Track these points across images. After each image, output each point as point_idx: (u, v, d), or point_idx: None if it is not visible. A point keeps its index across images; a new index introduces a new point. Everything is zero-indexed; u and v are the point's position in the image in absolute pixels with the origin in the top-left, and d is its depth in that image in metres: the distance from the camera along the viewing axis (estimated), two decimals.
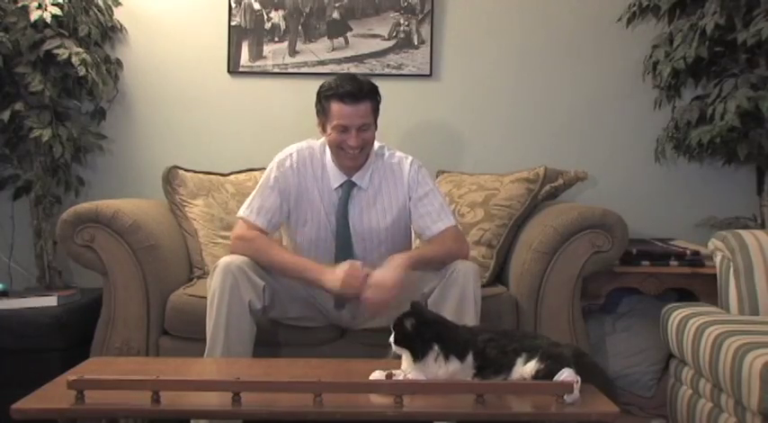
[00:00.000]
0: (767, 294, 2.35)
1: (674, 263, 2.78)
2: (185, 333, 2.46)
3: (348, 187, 2.39)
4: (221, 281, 2.18)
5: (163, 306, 2.52)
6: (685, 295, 2.81)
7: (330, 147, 2.36)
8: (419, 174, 2.42)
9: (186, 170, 2.95)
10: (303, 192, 2.39)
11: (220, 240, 2.83)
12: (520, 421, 1.63)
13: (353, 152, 2.31)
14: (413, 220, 2.41)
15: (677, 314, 2.37)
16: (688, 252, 2.79)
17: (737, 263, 2.42)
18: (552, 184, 2.97)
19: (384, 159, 2.43)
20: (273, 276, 2.29)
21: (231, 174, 3.06)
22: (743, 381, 1.90)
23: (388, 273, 2.17)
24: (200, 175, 2.97)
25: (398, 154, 2.47)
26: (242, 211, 2.39)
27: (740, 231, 2.51)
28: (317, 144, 2.44)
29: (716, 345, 2.06)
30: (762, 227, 2.93)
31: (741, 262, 2.41)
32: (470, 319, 2.15)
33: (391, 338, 1.78)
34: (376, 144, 2.43)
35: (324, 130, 2.36)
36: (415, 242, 2.59)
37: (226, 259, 2.24)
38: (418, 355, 1.75)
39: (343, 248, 2.39)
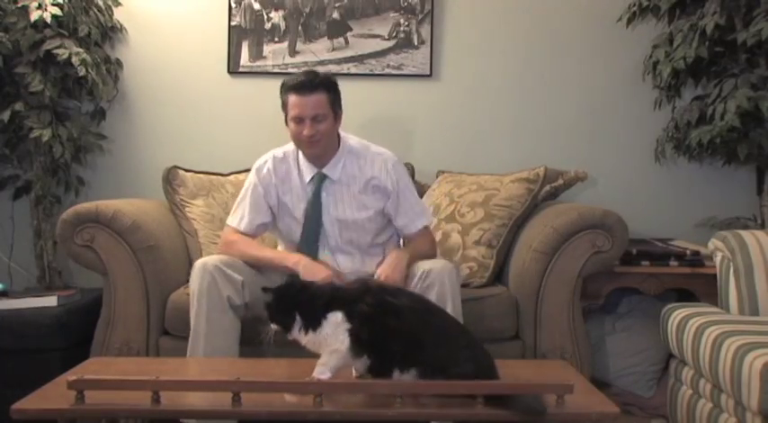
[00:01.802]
0: (767, 294, 2.35)
1: (674, 263, 2.77)
2: (185, 332, 2.45)
3: (319, 179, 2.46)
4: (199, 280, 2.25)
5: (163, 306, 2.52)
6: (685, 295, 2.81)
7: (292, 140, 2.45)
8: (395, 170, 2.49)
9: (186, 170, 2.95)
10: (285, 193, 2.49)
11: None
12: (520, 421, 1.63)
13: (311, 140, 2.38)
14: (394, 216, 2.49)
15: (677, 314, 2.37)
16: (688, 252, 2.79)
17: (737, 263, 2.42)
18: (552, 184, 2.97)
19: (358, 152, 2.49)
20: (256, 273, 2.35)
21: (231, 174, 3.06)
22: (743, 381, 1.90)
23: (395, 267, 2.28)
24: (201, 175, 2.97)
25: (374, 148, 2.52)
26: (228, 220, 2.53)
27: (740, 231, 2.51)
28: (292, 146, 2.51)
29: (716, 345, 2.06)
30: (762, 227, 2.93)
31: (741, 262, 2.41)
32: None
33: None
34: (353, 139, 2.52)
35: (287, 123, 2.43)
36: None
37: (202, 260, 2.33)
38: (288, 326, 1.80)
39: (308, 238, 2.46)
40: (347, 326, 1.76)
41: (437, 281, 2.22)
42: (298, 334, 1.81)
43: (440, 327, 1.80)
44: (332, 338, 1.77)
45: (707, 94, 2.90)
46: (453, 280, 2.25)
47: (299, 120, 2.37)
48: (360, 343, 1.75)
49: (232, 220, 2.51)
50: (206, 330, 2.22)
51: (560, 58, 3.31)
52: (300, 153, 2.49)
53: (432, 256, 2.45)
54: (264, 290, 1.88)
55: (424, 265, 2.28)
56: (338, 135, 2.49)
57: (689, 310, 2.38)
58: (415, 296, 1.93)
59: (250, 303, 2.30)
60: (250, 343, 2.33)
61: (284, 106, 2.42)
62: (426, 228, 2.54)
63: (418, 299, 1.90)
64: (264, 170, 2.51)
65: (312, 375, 1.79)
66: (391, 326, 1.75)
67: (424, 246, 2.48)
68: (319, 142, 2.40)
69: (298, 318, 1.80)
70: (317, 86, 2.36)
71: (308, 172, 2.48)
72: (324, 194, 2.46)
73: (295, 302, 1.82)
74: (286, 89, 2.40)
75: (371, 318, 1.76)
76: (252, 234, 2.49)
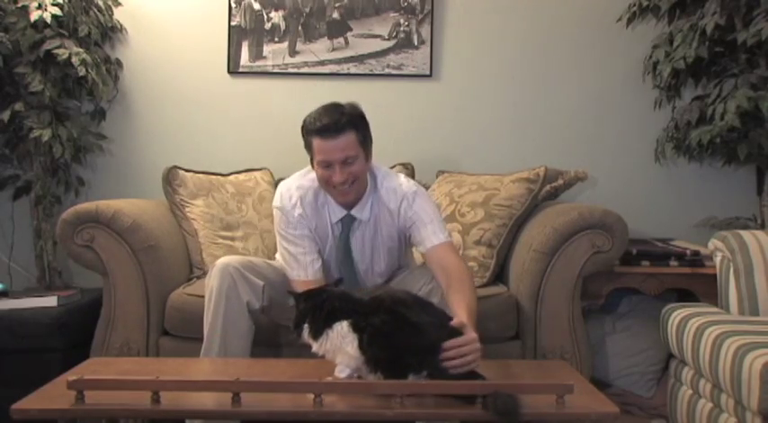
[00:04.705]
0: (767, 294, 2.35)
1: (674, 263, 2.77)
2: (185, 332, 2.46)
3: (348, 221, 2.31)
4: (219, 282, 2.20)
5: (163, 306, 2.52)
6: (685, 295, 2.81)
7: (320, 183, 2.25)
8: (411, 208, 2.26)
9: (186, 170, 2.95)
10: (316, 229, 2.32)
11: (220, 240, 2.83)
12: (520, 421, 1.63)
13: (342, 188, 2.19)
14: (413, 241, 2.32)
15: (677, 314, 2.37)
16: (688, 252, 2.79)
17: (737, 263, 2.42)
18: (552, 184, 2.97)
19: (381, 189, 2.29)
20: (272, 277, 2.31)
21: (231, 174, 3.06)
22: (743, 381, 1.90)
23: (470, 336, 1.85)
24: (200, 175, 2.97)
25: (394, 182, 2.31)
26: (293, 275, 2.29)
27: (740, 231, 2.51)
28: (312, 177, 2.30)
29: (716, 345, 2.06)
30: (762, 227, 2.93)
31: (741, 262, 2.41)
32: None
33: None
34: (377, 170, 2.33)
35: (313, 165, 2.24)
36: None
37: (223, 260, 2.26)
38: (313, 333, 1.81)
39: (348, 283, 2.31)
40: (353, 336, 1.75)
41: (440, 288, 2.16)
42: (308, 339, 1.83)
43: (447, 336, 1.79)
44: (341, 347, 1.77)
45: (707, 94, 2.90)
46: None
47: (326, 164, 2.16)
48: (371, 358, 1.74)
49: (297, 275, 2.27)
50: (222, 333, 2.18)
51: (560, 59, 3.31)
52: None
53: (466, 276, 2.16)
54: (290, 293, 1.92)
55: (430, 271, 2.22)
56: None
57: (689, 310, 2.38)
58: (431, 309, 1.85)
59: (267, 307, 2.27)
60: (264, 345, 2.33)
61: (308, 148, 2.20)
62: (446, 244, 2.24)
63: (434, 312, 1.85)
64: (296, 214, 2.27)
65: (334, 375, 1.81)
66: (406, 342, 1.73)
67: (453, 263, 2.16)
68: (353, 187, 2.20)
69: (305, 324, 1.82)
70: (344, 126, 2.13)
71: (336, 211, 2.29)
72: (353, 240, 2.32)
73: (306, 309, 1.84)
74: (308, 132, 2.17)
75: (385, 334, 1.74)
76: (318, 277, 2.28)
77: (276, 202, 2.33)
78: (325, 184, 2.22)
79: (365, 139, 2.21)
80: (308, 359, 2.02)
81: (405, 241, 2.38)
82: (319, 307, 1.82)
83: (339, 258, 2.35)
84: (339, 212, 2.30)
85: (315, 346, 1.82)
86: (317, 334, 1.80)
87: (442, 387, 1.70)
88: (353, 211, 2.29)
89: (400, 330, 1.74)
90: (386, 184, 2.30)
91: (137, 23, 3.29)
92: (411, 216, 2.26)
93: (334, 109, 2.18)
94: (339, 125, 2.13)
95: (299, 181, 2.32)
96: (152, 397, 1.65)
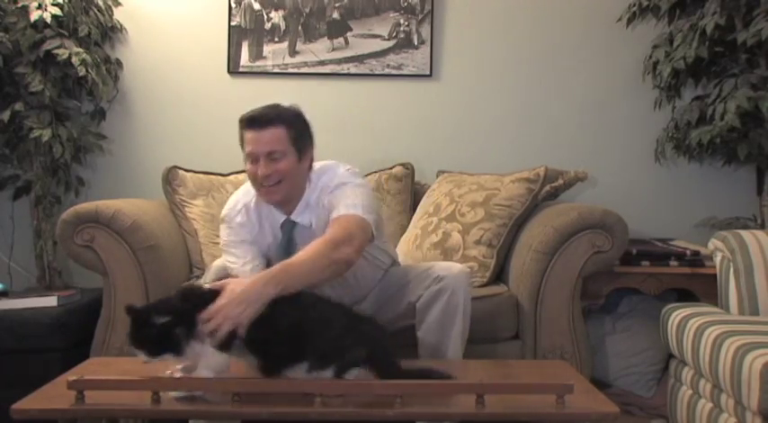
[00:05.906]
0: (767, 294, 2.35)
1: (674, 263, 2.77)
2: None
3: (289, 227, 2.21)
4: (214, 282, 2.18)
5: None
6: (685, 295, 2.81)
7: (250, 182, 2.18)
8: (330, 195, 2.14)
9: (186, 170, 2.96)
10: (260, 239, 2.25)
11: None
12: (520, 421, 1.63)
13: (267, 185, 2.10)
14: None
15: (677, 314, 2.37)
16: (688, 252, 2.79)
17: (737, 263, 2.42)
18: (552, 184, 2.97)
19: (317, 190, 2.18)
20: None
21: (231, 174, 3.05)
22: (743, 381, 1.90)
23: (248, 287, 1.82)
24: (200, 175, 2.97)
25: (329, 178, 2.17)
26: (233, 267, 2.24)
27: (740, 231, 2.52)
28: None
29: (716, 345, 2.06)
30: (762, 227, 2.93)
31: (741, 262, 2.41)
32: (457, 327, 2.14)
33: (143, 357, 1.72)
34: (321, 171, 2.21)
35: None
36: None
37: (218, 262, 2.26)
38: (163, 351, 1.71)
39: None
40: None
41: (450, 287, 2.13)
42: (199, 348, 1.72)
43: (319, 315, 1.78)
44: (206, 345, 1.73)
45: (707, 94, 2.91)
46: (466, 288, 2.16)
47: (253, 158, 2.09)
48: (249, 340, 1.73)
49: (236, 265, 2.20)
50: None
51: (560, 58, 3.31)
52: None
53: (339, 259, 1.96)
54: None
55: (439, 270, 2.18)
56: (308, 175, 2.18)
57: (689, 310, 2.38)
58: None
59: None
60: None
61: (242, 144, 2.15)
62: (348, 215, 2.06)
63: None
64: (237, 220, 2.23)
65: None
66: (273, 321, 1.74)
67: (311, 249, 1.94)
68: (280, 187, 2.11)
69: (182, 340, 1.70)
70: (273, 120, 2.08)
71: (278, 217, 2.22)
72: (297, 244, 2.18)
73: (166, 327, 1.70)
74: (240, 126, 2.13)
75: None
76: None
77: (222, 213, 2.29)
78: (253, 181, 2.14)
79: (299, 139, 2.12)
80: None
81: None
82: (174, 320, 1.70)
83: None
84: (280, 218, 2.21)
85: (188, 358, 1.73)
86: (186, 341, 1.71)
87: (443, 387, 1.70)
88: (293, 216, 2.20)
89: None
90: (321, 183, 2.18)
91: (137, 23, 3.29)
92: (330, 200, 2.13)
93: (268, 106, 2.15)
94: (266, 118, 2.09)
95: (246, 188, 2.27)
96: (152, 397, 1.65)
